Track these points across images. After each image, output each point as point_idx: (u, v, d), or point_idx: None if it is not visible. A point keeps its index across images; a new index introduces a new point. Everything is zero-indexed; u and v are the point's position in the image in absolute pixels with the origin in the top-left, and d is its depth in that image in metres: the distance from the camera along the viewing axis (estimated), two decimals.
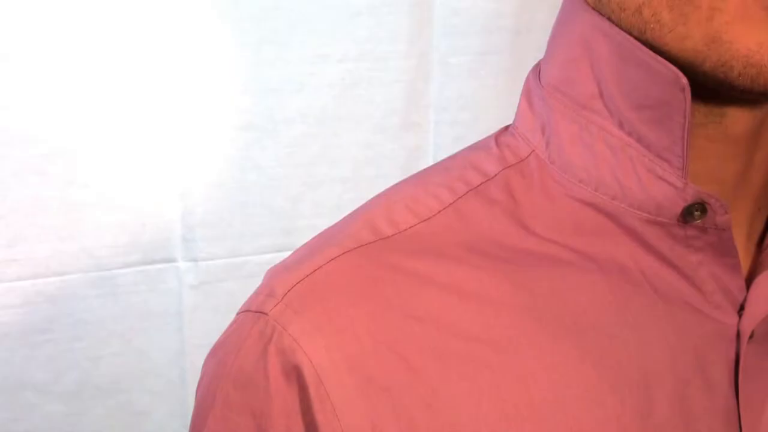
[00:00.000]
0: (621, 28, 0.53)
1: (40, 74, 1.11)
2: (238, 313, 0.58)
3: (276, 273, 0.57)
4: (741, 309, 0.56)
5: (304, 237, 0.59)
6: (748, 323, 0.56)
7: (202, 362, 0.60)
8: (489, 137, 0.61)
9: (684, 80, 0.50)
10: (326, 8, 1.21)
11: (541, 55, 0.61)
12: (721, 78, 0.50)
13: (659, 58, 0.51)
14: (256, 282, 0.58)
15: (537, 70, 0.60)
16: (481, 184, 0.58)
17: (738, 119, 0.53)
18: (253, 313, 0.56)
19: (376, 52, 1.24)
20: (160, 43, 1.15)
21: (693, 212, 0.54)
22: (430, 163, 1.23)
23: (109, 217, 1.18)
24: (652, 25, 0.51)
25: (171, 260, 1.22)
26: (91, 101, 1.14)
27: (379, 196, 0.60)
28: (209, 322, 1.23)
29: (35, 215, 1.14)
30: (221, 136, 1.20)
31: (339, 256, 0.55)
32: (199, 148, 1.19)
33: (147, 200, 1.19)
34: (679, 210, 0.54)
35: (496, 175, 0.58)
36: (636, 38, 0.52)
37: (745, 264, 0.58)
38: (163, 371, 1.24)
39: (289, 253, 0.59)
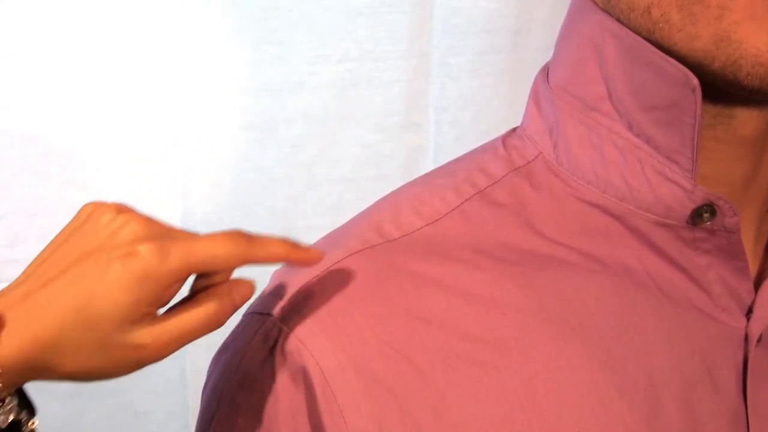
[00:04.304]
0: (629, 28, 0.52)
1: (41, 75, 1.11)
2: (243, 315, 0.57)
3: (281, 275, 0.57)
4: (749, 312, 0.56)
5: (304, 237, 0.59)
6: (757, 326, 0.56)
7: (202, 362, 0.59)
8: (496, 139, 0.61)
9: (695, 81, 0.50)
10: (326, 8, 1.21)
11: (541, 55, 0.60)
12: (730, 78, 0.49)
13: (669, 58, 0.51)
14: (256, 282, 0.57)
15: (545, 72, 0.60)
16: (487, 187, 0.58)
17: (747, 120, 0.53)
18: (258, 314, 0.56)
19: (376, 52, 1.24)
20: (160, 43, 1.15)
21: (702, 214, 0.53)
22: (430, 163, 1.23)
23: None
24: (661, 25, 0.51)
25: None
26: (91, 101, 1.13)
27: (384, 198, 0.60)
28: None
29: (35, 215, 1.14)
30: (221, 136, 1.20)
31: (345, 258, 0.55)
32: (199, 148, 1.19)
33: (147, 200, 1.18)
34: (687, 212, 0.54)
35: (502, 177, 0.58)
36: (644, 39, 0.52)
37: (753, 266, 0.58)
38: (163, 371, 1.23)
39: None
